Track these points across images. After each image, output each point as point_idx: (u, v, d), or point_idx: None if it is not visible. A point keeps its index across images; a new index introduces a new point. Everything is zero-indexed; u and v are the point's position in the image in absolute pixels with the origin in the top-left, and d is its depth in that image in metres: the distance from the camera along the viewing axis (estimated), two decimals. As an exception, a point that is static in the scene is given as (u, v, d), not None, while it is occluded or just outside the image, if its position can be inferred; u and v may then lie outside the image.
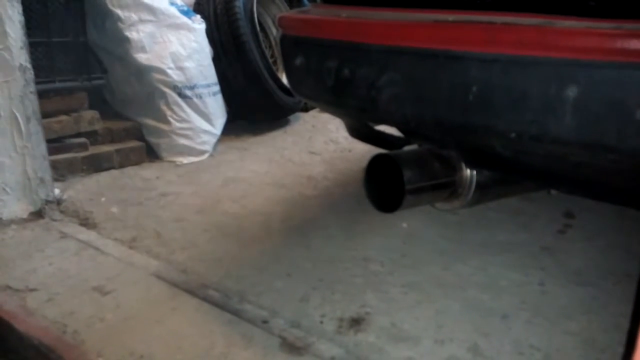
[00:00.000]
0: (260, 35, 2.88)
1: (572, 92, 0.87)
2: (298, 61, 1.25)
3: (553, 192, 1.32)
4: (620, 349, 1.17)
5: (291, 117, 3.37)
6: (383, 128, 1.54)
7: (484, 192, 1.28)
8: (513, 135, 0.96)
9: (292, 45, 1.30)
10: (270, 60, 3.00)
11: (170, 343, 1.22)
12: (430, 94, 1.04)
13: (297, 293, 1.41)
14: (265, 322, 1.29)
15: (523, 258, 1.58)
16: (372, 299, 1.38)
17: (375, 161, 1.25)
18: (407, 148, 1.36)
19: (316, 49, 1.22)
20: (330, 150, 2.73)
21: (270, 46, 3.30)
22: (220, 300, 1.39)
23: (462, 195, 1.28)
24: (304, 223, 1.84)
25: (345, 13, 1.17)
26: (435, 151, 1.25)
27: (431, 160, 1.24)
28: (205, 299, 1.39)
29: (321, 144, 2.86)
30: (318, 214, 1.93)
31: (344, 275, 1.49)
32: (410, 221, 1.82)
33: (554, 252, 1.62)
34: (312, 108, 3.67)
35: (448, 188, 1.25)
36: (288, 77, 1.38)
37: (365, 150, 2.74)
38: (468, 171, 1.24)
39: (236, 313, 1.33)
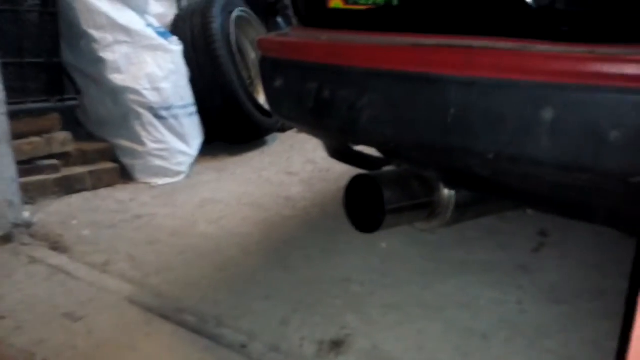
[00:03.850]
0: (238, 56, 2.89)
1: (547, 114, 0.89)
2: (278, 83, 1.25)
3: (529, 211, 1.34)
4: (599, 367, 1.19)
5: (268, 138, 3.37)
6: (362, 149, 1.55)
7: (463, 211, 1.29)
8: (491, 156, 0.97)
9: (272, 67, 1.31)
10: (247, 82, 3.00)
11: (146, 371, 1.18)
12: (410, 115, 1.05)
13: (276, 316, 1.39)
14: (243, 346, 1.26)
15: (500, 277, 1.60)
16: (353, 321, 1.37)
17: (355, 182, 1.26)
18: (386, 168, 1.37)
19: (296, 71, 1.22)
20: (308, 171, 2.73)
21: (247, 68, 3.31)
22: (197, 325, 1.35)
23: (441, 215, 1.29)
24: (282, 244, 1.83)
25: (324, 36, 1.19)
26: (414, 171, 1.26)
27: (410, 181, 1.25)
28: (181, 324, 1.36)
29: (299, 164, 2.86)
30: (297, 234, 1.92)
31: (323, 297, 1.48)
32: (389, 241, 1.83)
33: (530, 271, 1.64)
34: (290, 128, 3.67)
35: (427, 208, 1.26)
36: (268, 98, 1.38)
37: (343, 171, 2.75)
38: (447, 191, 1.25)
39: (213, 338, 1.30)
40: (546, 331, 1.32)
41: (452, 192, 1.25)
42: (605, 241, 1.85)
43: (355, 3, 1.16)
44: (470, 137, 0.98)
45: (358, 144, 1.30)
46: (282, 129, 3.61)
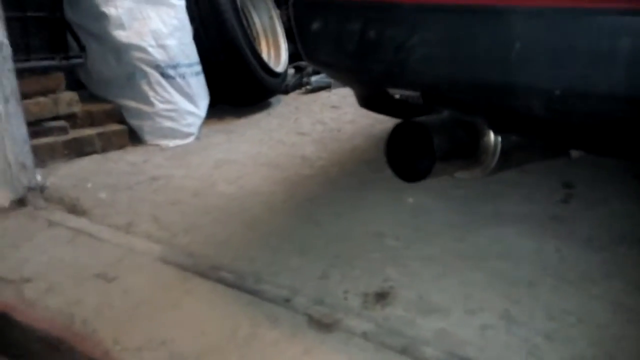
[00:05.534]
0: (243, 11, 2.79)
1: (625, 43, 0.84)
2: (315, 25, 1.18)
3: (574, 154, 1.31)
4: (649, 309, 1.18)
5: (272, 100, 3.28)
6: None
7: (508, 158, 1.26)
8: (558, 92, 0.93)
9: (308, 8, 1.23)
10: (252, 38, 2.90)
11: (191, 326, 1.15)
12: (468, 53, 1.00)
13: (315, 271, 1.35)
14: (287, 300, 1.23)
15: (534, 227, 1.58)
16: (394, 273, 1.34)
17: (398, 129, 1.20)
18: (425, 116, 1.31)
19: (337, 10, 1.15)
20: (318, 131, 2.67)
21: (249, 25, 3.20)
22: (236, 281, 1.32)
23: (485, 162, 1.25)
24: (307, 202, 1.79)
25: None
26: (459, 117, 1.22)
27: (456, 127, 1.21)
28: (220, 281, 1.32)
29: (308, 125, 2.79)
30: (320, 192, 1.87)
31: (360, 251, 1.45)
32: (415, 196, 1.79)
33: (563, 221, 1.62)
34: (293, 90, 3.60)
35: (473, 155, 1.22)
36: (302, 43, 1.31)
37: (354, 131, 2.70)
38: (493, 137, 1.21)
39: (255, 293, 1.26)
40: (591, 278, 1.31)
41: (498, 139, 1.21)
42: (631, 192, 1.84)
43: None
44: (537, 73, 0.93)
45: (403, 88, 1.25)
46: (286, 91, 3.53)
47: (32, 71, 1.96)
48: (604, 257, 1.41)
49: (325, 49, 1.23)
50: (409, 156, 1.21)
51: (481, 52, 0.98)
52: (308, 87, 3.62)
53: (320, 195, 1.84)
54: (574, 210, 1.71)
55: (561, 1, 0.88)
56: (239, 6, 2.78)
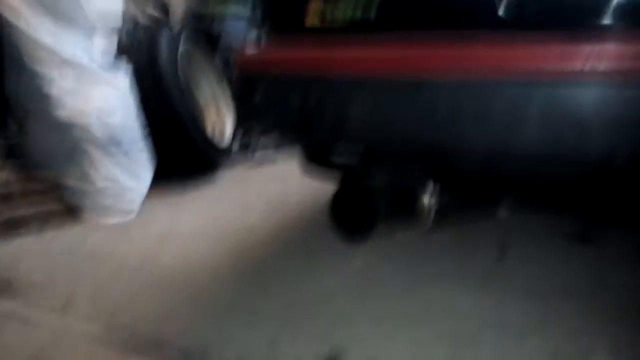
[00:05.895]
0: (186, 91, 2.86)
1: (533, 109, 0.96)
2: (260, 97, 1.25)
3: (502, 213, 1.40)
4: (585, 358, 1.23)
5: (217, 172, 3.31)
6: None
7: (442, 218, 1.34)
8: (479, 153, 1.02)
9: (255, 82, 1.31)
10: (196, 115, 2.96)
11: (132, 409, 1.09)
12: (398, 119, 1.08)
13: (264, 338, 1.34)
14: (235, 372, 1.20)
15: (474, 284, 1.64)
16: (343, 335, 1.34)
17: (340, 193, 1.26)
18: (369, 177, 1.38)
19: (280, 84, 1.24)
20: (263, 202, 2.70)
21: (196, 97, 3.27)
22: (180, 357, 1.27)
23: (423, 222, 1.32)
24: (254, 271, 1.78)
25: (306, 51, 1.21)
26: (399, 179, 1.30)
27: (395, 190, 1.28)
28: (163, 359, 1.27)
29: (252, 196, 2.82)
30: (267, 260, 1.87)
31: (309, 315, 1.45)
32: (361, 258, 1.82)
33: (499, 277, 1.69)
34: (239, 163, 3.64)
35: (412, 215, 1.29)
36: (250, 112, 1.38)
37: (297, 200, 2.75)
38: (431, 198, 1.29)
39: (201, 368, 1.23)
40: (528, 329, 1.37)
41: (436, 198, 1.30)
42: (558, 249, 1.95)
43: (333, 21, 1.20)
44: (459, 137, 1.03)
45: (344, 149, 1.32)
46: (232, 163, 3.56)
47: (-34, 150, 1.91)
48: (540, 309, 1.48)
49: (271, 118, 1.30)
50: (351, 218, 1.26)
51: (411, 119, 1.08)
52: (254, 160, 3.68)
53: (267, 264, 1.84)
54: (508, 267, 1.79)
55: (473, 75, 0.99)
56: (186, 77, 2.86)
